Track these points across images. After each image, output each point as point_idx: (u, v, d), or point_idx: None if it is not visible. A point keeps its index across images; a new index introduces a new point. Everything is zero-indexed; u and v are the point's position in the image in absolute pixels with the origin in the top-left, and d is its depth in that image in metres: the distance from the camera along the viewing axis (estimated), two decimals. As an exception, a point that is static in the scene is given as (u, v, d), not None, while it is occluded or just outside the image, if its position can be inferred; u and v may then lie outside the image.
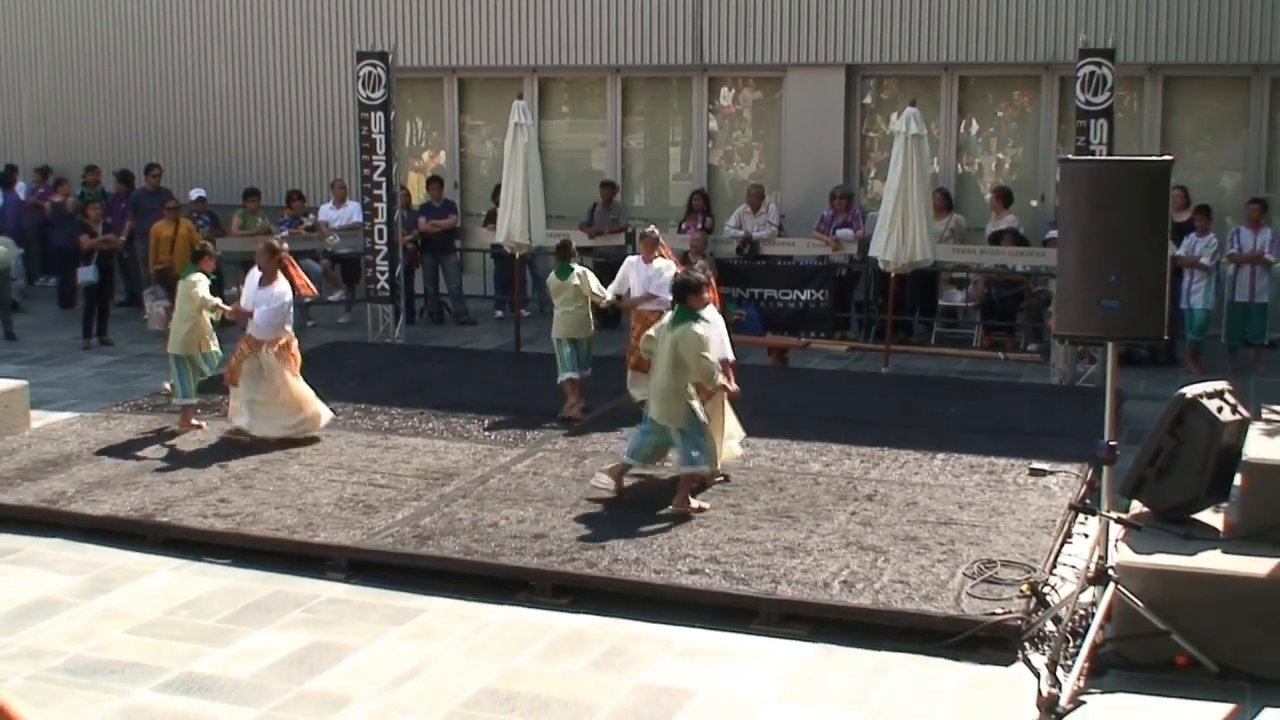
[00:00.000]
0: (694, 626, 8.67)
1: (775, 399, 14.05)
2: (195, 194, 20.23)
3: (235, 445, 12.50)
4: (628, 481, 11.04)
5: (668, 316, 10.72)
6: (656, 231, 13.74)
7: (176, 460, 12.17)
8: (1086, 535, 9.95)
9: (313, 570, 9.73)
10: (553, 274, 13.73)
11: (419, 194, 20.93)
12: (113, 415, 13.89)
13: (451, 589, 9.33)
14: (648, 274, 13.31)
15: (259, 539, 10.14)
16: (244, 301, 12.84)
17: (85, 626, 8.79)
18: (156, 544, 10.31)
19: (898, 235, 15.53)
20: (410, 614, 8.96)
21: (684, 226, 18.85)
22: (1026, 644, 8.22)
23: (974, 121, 19.22)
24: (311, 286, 13.61)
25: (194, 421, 13.24)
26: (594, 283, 13.50)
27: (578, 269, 13.54)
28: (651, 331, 10.93)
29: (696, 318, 10.45)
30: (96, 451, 12.47)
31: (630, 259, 13.84)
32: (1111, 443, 8.44)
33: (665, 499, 10.68)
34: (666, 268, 13.15)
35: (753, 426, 11.83)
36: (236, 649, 8.41)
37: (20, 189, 22.68)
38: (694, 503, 10.51)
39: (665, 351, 10.48)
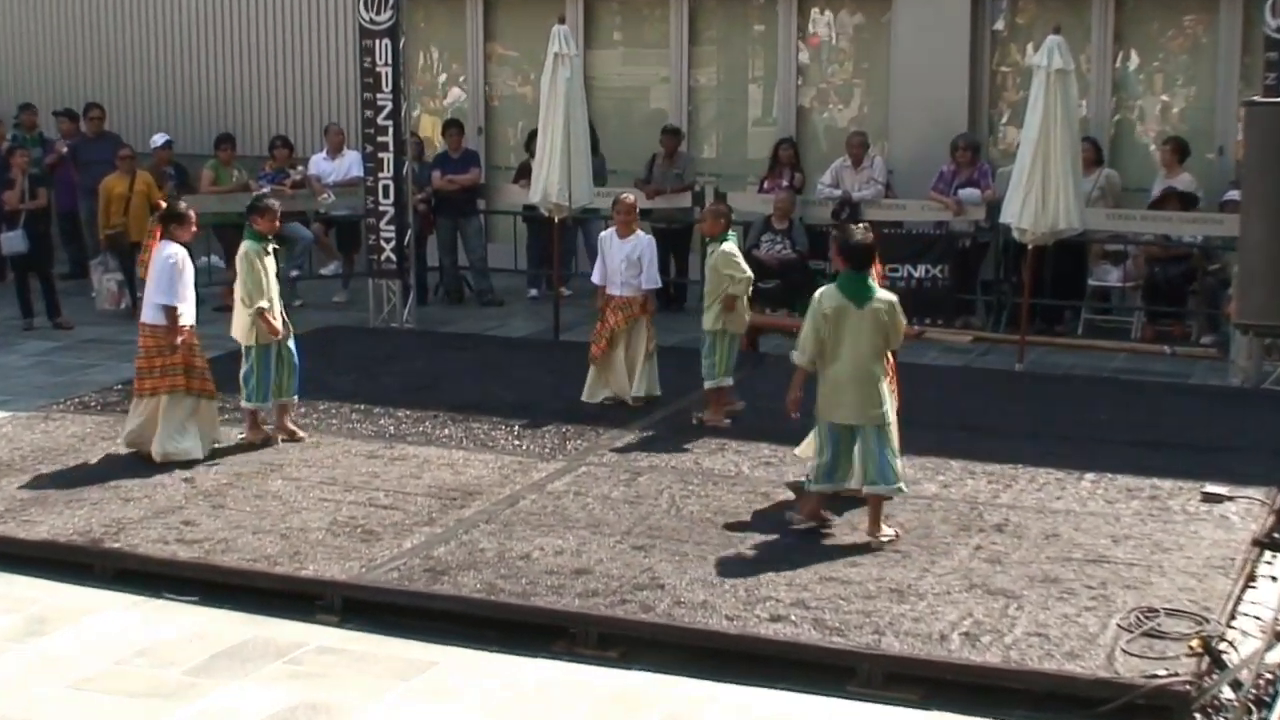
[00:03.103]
0: (776, 688, 8.66)
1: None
2: (158, 140, 20.30)
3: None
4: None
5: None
6: (633, 198, 14.53)
7: (132, 472, 12.23)
8: (1275, 578, 9.87)
9: (299, 611, 9.75)
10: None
11: (434, 142, 20.97)
12: (53, 415, 13.99)
13: (472, 637, 9.35)
14: (625, 251, 14.04)
15: (232, 571, 10.18)
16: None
17: (15, 679, 8.83)
18: (105, 576, 10.37)
19: (1036, 197, 15.42)
20: (420, 668, 8.98)
21: (766, 185, 18.81)
22: (1198, 714, 8.16)
23: (1134, 54, 19.07)
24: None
25: (267, 426, 13.12)
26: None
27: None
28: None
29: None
30: (32, 460, 12.58)
31: (604, 234, 14.46)
32: (1308, 461, 8.37)
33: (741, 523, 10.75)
34: (646, 244, 14.07)
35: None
36: (203, 708, 8.45)
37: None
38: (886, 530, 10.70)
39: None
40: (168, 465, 12.28)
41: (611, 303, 14.08)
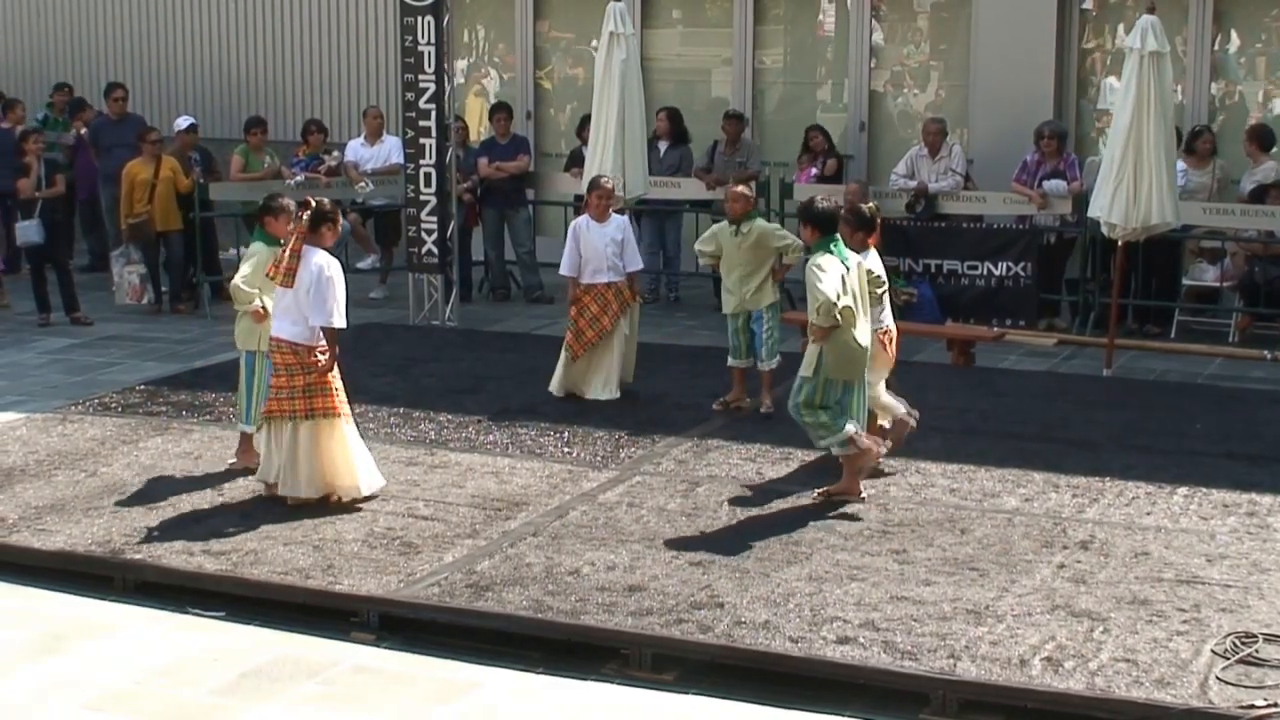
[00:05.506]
0: (843, 714, 8.65)
1: (957, 409, 13.97)
2: (182, 123, 20.35)
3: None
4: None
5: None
6: (613, 183, 15.04)
7: (155, 479, 12.31)
8: (1384, 602, 9.82)
9: (333, 628, 9.81)
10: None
11: (479, 127, 21.01)
12: (70, 417, 14.09)
13: (517, 657, 9.37)
14: (608, 234, 14.48)
15: (262, 585, 10.23)
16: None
17: (26, 700, 8.88)
18: (126, 589, 10.44)
19: (1127, 189, 15.34)
20: (462, 690, 9.00)
21: (800, 174, 18.85)
22: (1299, 749, 8.14)
23: (1234, 36, 18.99)
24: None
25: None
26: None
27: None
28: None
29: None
30: (48, 465, 12.67)
31: (578, 221, 14.79)
32: None
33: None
34: (625, 224, 14.75)
35: (927, 446, 11.77)
36: (230, 731, 8.51)
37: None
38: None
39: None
40: (195, 472, 12.36)
41: (594, 292, 14.38)
